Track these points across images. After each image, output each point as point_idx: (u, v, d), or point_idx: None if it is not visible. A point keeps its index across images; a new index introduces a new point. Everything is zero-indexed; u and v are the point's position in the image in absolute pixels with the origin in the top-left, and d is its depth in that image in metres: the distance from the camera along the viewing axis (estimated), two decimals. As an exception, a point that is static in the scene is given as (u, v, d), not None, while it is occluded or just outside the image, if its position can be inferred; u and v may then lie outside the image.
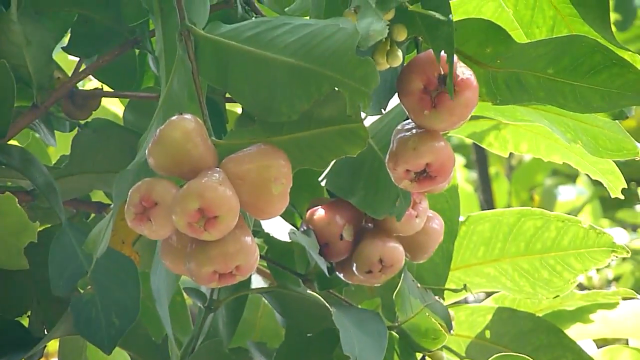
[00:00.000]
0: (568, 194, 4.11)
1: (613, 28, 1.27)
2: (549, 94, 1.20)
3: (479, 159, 4.04)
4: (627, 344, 1.94)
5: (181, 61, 1.15)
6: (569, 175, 4.30)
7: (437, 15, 1.11)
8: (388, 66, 1.16)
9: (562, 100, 1.20)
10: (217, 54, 1.14)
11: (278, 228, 1.38)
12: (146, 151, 1.11)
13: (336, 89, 1.07)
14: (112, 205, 1.54)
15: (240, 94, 1.14)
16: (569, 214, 1.62)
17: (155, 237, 1.12)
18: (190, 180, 1.09)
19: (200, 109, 1.14)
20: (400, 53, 1.16)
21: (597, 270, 3.37)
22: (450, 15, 1.12)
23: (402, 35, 1.15)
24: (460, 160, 4.70)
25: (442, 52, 1.14)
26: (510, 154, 1.66)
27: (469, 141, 1.68)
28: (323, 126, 1.11)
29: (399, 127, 1.21)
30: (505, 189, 4.16)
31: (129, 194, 1.10)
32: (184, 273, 1.15)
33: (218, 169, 1.10)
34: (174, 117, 1.11)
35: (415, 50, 1.21)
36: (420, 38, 1.20)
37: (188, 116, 1.11)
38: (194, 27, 1.15)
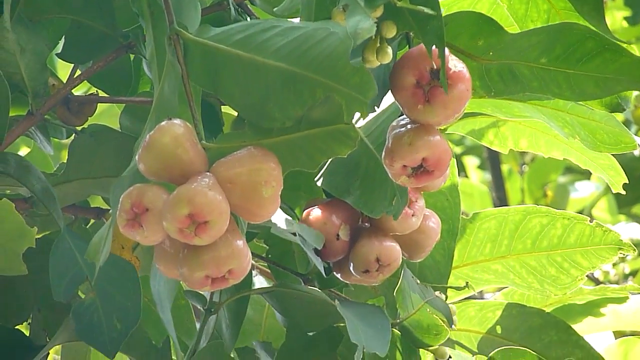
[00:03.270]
0: (583, 190, 4.05)
1: (624, 23, 1.26)
2: (543, 83, 1.19)
3: (491, 156, 4.00)
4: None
5: (171, 65, 1.14)
6: (583, 172, 4.24)
7: (426, 10, 1.10)
8: (378, 63, 1.15)
9: (556, 89, 1.19)
10: (206, 58, 1.13)
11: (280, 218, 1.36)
12: (136, 157, 1.11)
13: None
14: (110, 211, 1.54)
15: (231, 98, 1.13)
16: (582, 210, 1.61)
17: (147, 243, 1.12)
18: (181, 185, 1.08)
19: (190, 113, 1.14)
20: (390, 50, 1.15)
21: (613, 265, 3.35)
22: (440, 9, 1.11)
23: (391, 32, 1.14)
24: (474, 161, 4.66)
25: (434, 47, 1.13)
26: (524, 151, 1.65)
27: (481, 141, 1.67)
28: (313, 127, 1.10)
29: (393, 123, 1.20)
30: (518, 186, 4.12)
31: (120, 200, 1.09)
32: (178, 277, 1.15)
33: (208, 173, 1.10)
34: (163, 123, 1.10)
35: (407, 46, 1.20)
36: (411, 33, 1.19)
37: (177, 121, 1.10)
38: (182, 31, 1.14)
